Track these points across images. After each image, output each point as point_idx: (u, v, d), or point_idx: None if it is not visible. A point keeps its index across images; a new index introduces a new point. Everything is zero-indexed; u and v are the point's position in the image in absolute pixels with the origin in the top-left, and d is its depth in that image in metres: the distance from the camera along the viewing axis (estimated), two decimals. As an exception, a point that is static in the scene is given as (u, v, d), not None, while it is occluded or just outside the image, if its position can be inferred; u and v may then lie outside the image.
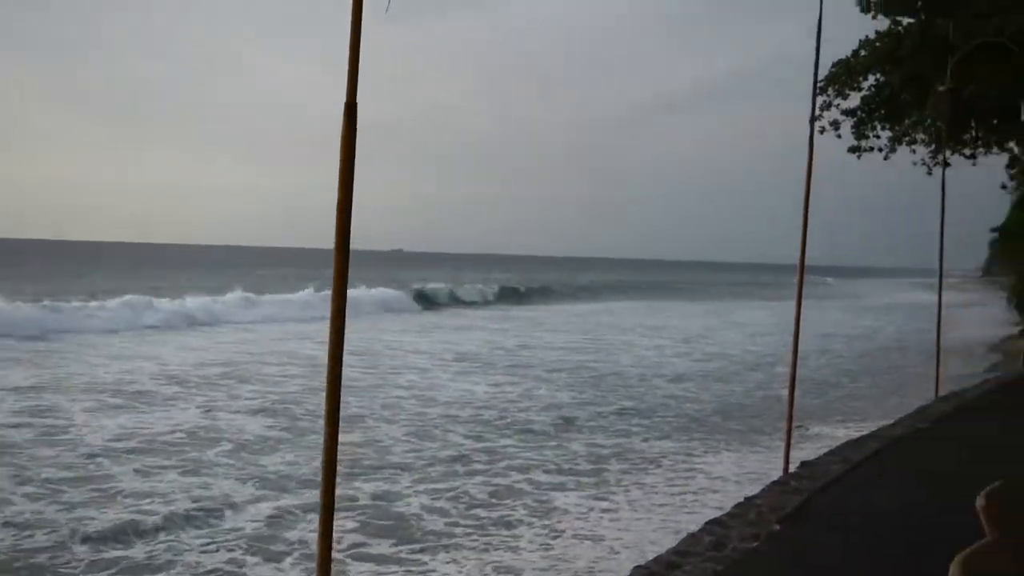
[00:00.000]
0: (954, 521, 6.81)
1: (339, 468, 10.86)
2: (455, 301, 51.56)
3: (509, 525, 8.95)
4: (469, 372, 21.12)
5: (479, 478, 10.88)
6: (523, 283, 67.71)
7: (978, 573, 2.59)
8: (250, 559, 7.92)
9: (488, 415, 15.27)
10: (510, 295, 58.17)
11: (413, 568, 7.77)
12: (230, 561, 7.87)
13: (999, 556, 2.89)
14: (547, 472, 11.25)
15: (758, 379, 21.26)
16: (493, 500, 9.90)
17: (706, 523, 6.82)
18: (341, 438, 12.84)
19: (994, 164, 29.72)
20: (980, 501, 3.30)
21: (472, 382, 19.39)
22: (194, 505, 9.44)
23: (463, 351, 25.92)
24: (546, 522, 9.04)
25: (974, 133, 28.12)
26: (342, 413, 13.93)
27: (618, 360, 24.73)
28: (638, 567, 5.98)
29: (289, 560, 7.90)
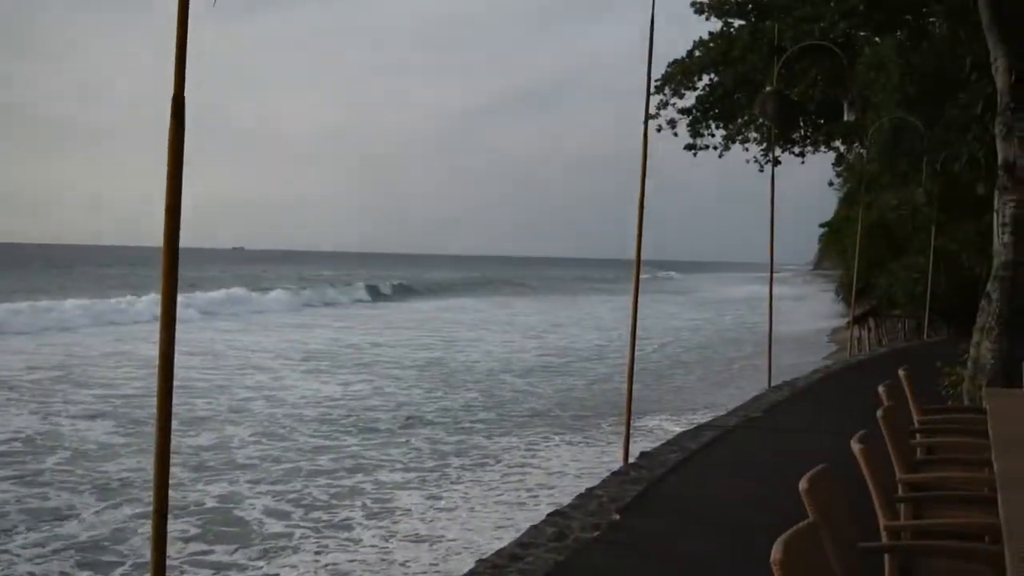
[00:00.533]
0: (784, 505, 7.15)
1: (183, 472, 10.67)
2: (308, 299, 50.74)
3: (349, 527, 8.87)
4: (319, 371, 20.89)
5: (323, 479, 10.76)
6: (373, 280, 67.23)
7: (797, 552, 2.73)
8: (81, 573, 7.68)
9: (336, 414, 15.14)
10: (361, 292, 57.62)
11: (251, 574, 7.66)
12: (61, 574, 7.62)
13: (817, 536, 3.05)
14: (391, 471, 11.18)
15: (600, 372, 21.68)
16: (334, 501, 9.78)
17: (548, 515, 6.94)
18: (188, 441, 12.50)
19: (824, 162, 31.23)
20: (803, 484, 3.48)
21: (321, 381, 19.20)
22: (29, 516, 9.08)
23: (313, 350, 25.68)
24: (386, 523, 8.95)
25: (803, 132, 29.42)
26: (188, 415, 13.62)
27: (468, 356, 24.88)
28: (481, 560, 6.05)
29: (120, 570, 7.70)
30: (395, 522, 9.00)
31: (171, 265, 3.97)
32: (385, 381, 19.37)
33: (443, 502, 9.73)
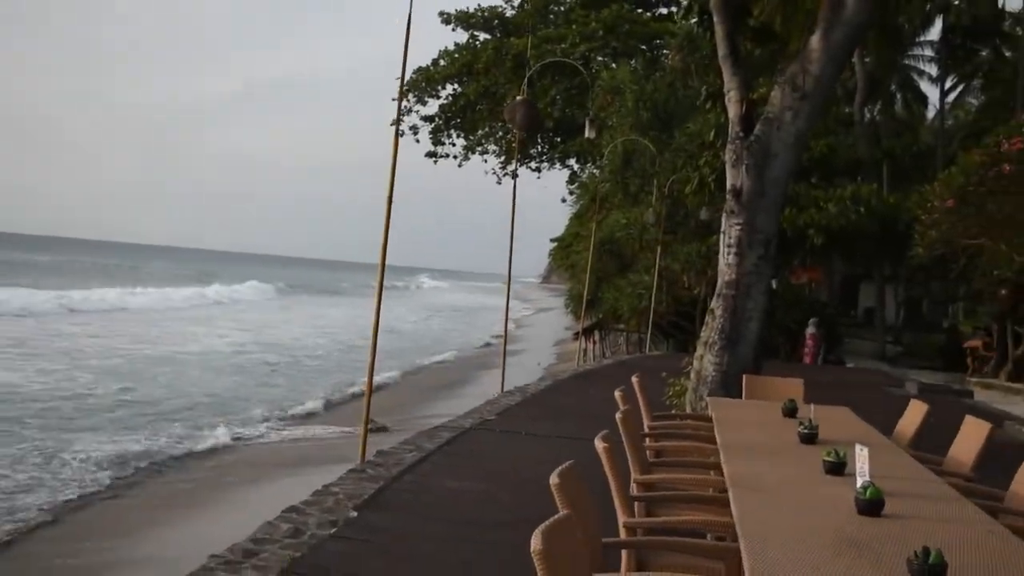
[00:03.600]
0: (514, 501, 7.30)
1: None
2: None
3: None
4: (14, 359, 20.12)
5: None
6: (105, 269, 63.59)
7: (555, 542, 2.78)
8: None
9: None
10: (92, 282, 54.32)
11: None
12: None
13: (573, 528, 3.12)
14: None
15: (307, 369, 22.18)
16: None
17: (283, 511, 6.75)
18: None
19: (560, 178, 32.56)
20: (554, 479, 3.56)
21: (11, 369, 18.68)
22: None
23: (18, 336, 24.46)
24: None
25: (540, 148, 30.44)
26: None
27: (178, 351, 24.58)
28: (214, 556, 5.78)
29: None
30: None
31: None
32: (79, 372, 18.97)
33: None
